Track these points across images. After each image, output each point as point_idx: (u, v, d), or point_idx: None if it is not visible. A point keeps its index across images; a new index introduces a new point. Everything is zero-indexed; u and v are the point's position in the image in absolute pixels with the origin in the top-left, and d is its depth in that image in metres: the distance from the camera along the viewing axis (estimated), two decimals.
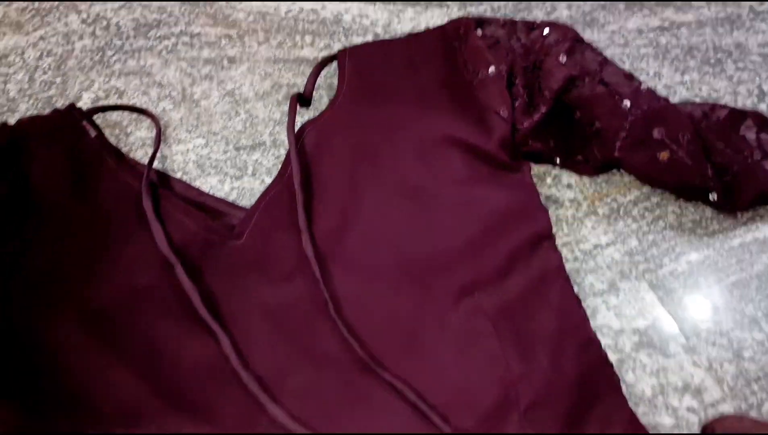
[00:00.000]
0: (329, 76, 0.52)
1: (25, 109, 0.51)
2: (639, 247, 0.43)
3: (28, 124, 0.46)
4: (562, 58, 0.43)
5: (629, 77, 0.44)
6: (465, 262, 0.40)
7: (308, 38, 0.55)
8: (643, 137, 0.42)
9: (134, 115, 0.50)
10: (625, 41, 0.53)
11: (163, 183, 0.46)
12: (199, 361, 0.38)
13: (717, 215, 0.44)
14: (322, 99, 0.50)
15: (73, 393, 0.36)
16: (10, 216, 0.42)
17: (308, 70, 0.52)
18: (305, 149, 0.45)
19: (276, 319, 0.40)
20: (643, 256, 0.43)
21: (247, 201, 0.46)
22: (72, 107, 0.47)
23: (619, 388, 0.36)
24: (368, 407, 0.36)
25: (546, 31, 0.46)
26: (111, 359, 0.38)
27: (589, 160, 0.44)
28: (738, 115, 0.45)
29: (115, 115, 0.50)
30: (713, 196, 0.42)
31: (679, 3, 0.55)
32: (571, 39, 0.44)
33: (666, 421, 0.37)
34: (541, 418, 0.35)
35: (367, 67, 0.48)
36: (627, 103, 0.42)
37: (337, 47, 0.54)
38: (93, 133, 0.47)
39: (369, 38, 0.55)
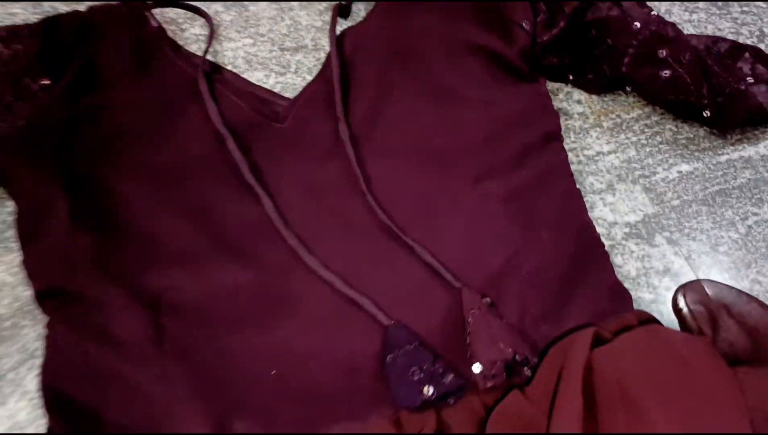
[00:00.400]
0: None
1: (88, 3, 0.56)
2: (637, 156, 0.48)
3: (97, 11, 0.51)
4: None
5: (642, 5, 0.49)
6: (481, 152, 0.45)
7: None
8: (649, 55, 0.47)
9: (189, 15, 0.55)
10: None
11: (215, 71, 0.51)
12: (244, 220, 0.44)
13: (708, 135, 0.49)
14: (360, 12, 0.55)
15: (138, 234, 0.42)
16: (81, 88, 0.48)
17: None
18: (344, 51, 0.50)
19: (312, 191, 0.45)
20: (639, 164, 0.48)
21: (290, 94, 0.51)
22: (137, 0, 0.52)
23: (608, 262, 0.42)
24: (390, 265, 0.42)
25: None
26: (170, 211, 0.43)
27: (598, 77, 0.49)
28: (737, 49, 0.50)
29: (171, 13, 0.55)
30: (707, 113, 0.47)
31: None
32: None
33: (646, 296, 0.43)
34: (539, 281, 0.41)
35: None
36: (637, 24, 0.47)
37: None
38: (154, 24, 0.52)
39: None
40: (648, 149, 0.49)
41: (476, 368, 0.36)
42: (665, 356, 0.32)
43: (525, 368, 0.37)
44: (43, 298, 0.40)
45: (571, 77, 0.51)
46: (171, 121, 0.47)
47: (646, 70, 0.47)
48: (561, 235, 0.43)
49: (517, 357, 0.36)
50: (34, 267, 0.41)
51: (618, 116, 0.50)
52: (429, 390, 0.36)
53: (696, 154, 0.49)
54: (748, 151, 0.49)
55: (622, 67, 0.47)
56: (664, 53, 0.47)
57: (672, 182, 0.47)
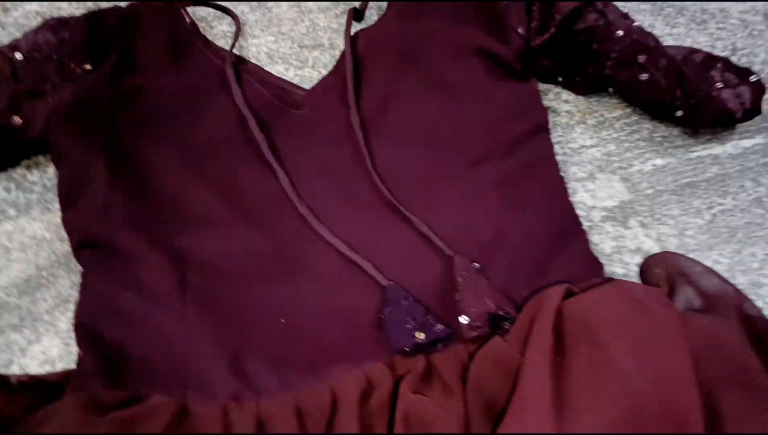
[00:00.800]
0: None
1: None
2: (616, 150, 0.54)
3: (137, 6, 0.57)
4: None
5: (625, 16, 0.55)
6: (477, 140, 0.51)
7: None
8: (630, 60, 0.52)
9: (218, 14, 0.61)
10: None
11: (240, 63, 0.57)
12: (262, 191, 0.49)
13: (682, 134, 0.55)
14: (372, 17, 0.61)
15: (169, 199, 0.48)
16: (121, 73, 0.53)
17: None
18: (357, 49, 0.56)
19: (324, 169, 0.50)
20: (618, 157, 0.53)
21: (307, 85, 0.56)
22: None
23: (585, 239, 0.47)
24: (390, 234, 0.47)
25: None
26: (197, 181, 0.49)
27: (584, 80, 0.55)
28: (711, 59, 0.55)
29: (202, 12, 0.61)
30: (679, 113, 0.52)
31: None
32: None
33: (618, 271, 0.48)
34: (523, 252, 0.46)
35: None
36: (620, 32, 0.53)
37: None
38: (188, 20, 0.57)
39: None
40: (626, 145, 0.54)
41: (463, 319, 0.41)
42: (624, 300, 0.36)
43: (507, 323, 0.41)
44: (81, 249, 0.45)
45: (560, 79, 0.56)
46: (200, 104, 0.53)
47: (627, 73, 0.52)
48: (545, 215, 0.48)
49: (500, 311, 0.41)
50: (74, 222, 0.46)
51: (601, 115, 0.56)
52: (421, 335, 0.40)
53: (669, 150, 0.54)
54: (717, 149, 0.54)
55: (606, 69, 0.53)
56: (643, 59, 0.52)
57: (647, 174, 0.52)
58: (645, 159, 0.53)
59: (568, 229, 0.48)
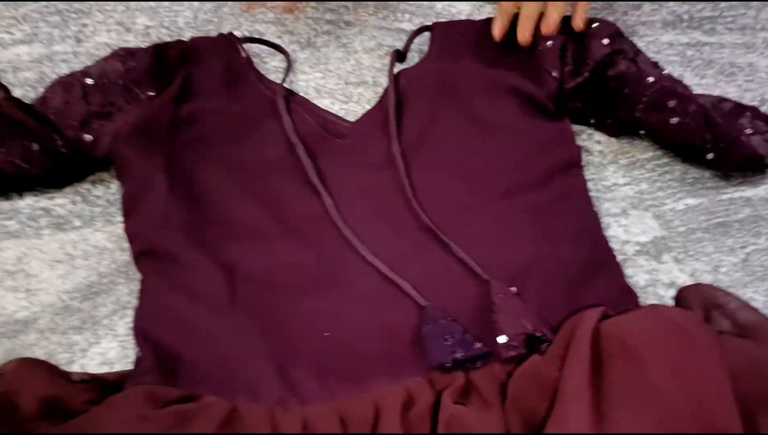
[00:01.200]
0: (421, 44, 0.66)
1: (189, 35, 0.67)
2: (648, 189, 0.56)
3: (198, 40, 0.62)
4: (605, 41, 0.57)
5: (655, 64, 0.58)
6: (511, 172, 0.53)
7: (407, 16, 0.70)
8: (660, 104, 0.55)
9: (271, 51, 0.65)
10: (657, 50, 0.67)
11: (290, 95, 0.60)
12: (307, 212, 0.52)
13: (713, 176, 0.56)
14: (414, 59, 0.65)
15: (220, 214, 0.51)
16: (181, 99, 0.57)
17: (404, 38, 0.67)
18: (399, 86, 0.59)
19: (366, 196, 0.53)
20: (651, 195, 0.55)
21: (351, 119, 0.59)
22: (231, 34, 0.63)
23: (619, 269, 0.48)
24: (428, 258, 0.49)
25: (595, 24, 0.59)
26: (247, 199, 0.52)
27: (616, 122, 0.57)
28: (740, 107, 0.58)
29: (256, 48, 0.65)
30: (710, 156, 0.54)
31: (706, 27, 0.69)
32: (614, 30, 0.58)
33: (653, 302, 0.49)
34: (557, 280, 0.47)
35: (452, 36, 0.63)
36: (651, 79, 0.55)
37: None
38: (243, 55, 0.62)
39: None
40: (659, 184, 0.56)
41: (501, 339, 0.42)
42: (660, 321, 0.37)
43: (543, 345, 0.42)
44: (141, 257, 0.48)
45: (592, 121, 0.59)
46: (252, 129, 0.57)
47: (657, 117, 0.55)
48: (578, 245, 0.50)
49: (537, 333, 0.42)
50: (135, 231, 0.49)
51: (633, 155, 0.58)
52: (459, 352, 0.42)
53: (701, 191, 0.55)
54: (748, 192, 0.55)
55: (636, 112, 0.55)
56: (673, 103, 0.54)
57: (679, 212, 0.54)
58: (677, 198, 0.55)
59: (602, 259, 0.49)
